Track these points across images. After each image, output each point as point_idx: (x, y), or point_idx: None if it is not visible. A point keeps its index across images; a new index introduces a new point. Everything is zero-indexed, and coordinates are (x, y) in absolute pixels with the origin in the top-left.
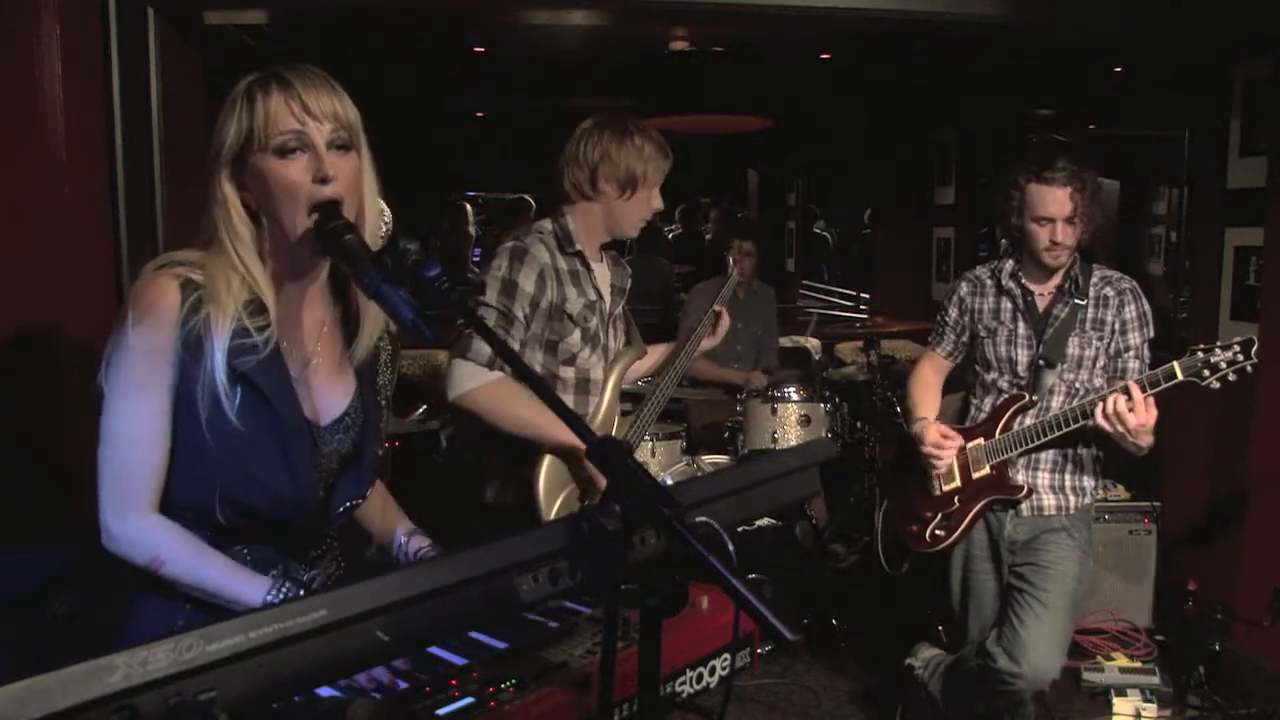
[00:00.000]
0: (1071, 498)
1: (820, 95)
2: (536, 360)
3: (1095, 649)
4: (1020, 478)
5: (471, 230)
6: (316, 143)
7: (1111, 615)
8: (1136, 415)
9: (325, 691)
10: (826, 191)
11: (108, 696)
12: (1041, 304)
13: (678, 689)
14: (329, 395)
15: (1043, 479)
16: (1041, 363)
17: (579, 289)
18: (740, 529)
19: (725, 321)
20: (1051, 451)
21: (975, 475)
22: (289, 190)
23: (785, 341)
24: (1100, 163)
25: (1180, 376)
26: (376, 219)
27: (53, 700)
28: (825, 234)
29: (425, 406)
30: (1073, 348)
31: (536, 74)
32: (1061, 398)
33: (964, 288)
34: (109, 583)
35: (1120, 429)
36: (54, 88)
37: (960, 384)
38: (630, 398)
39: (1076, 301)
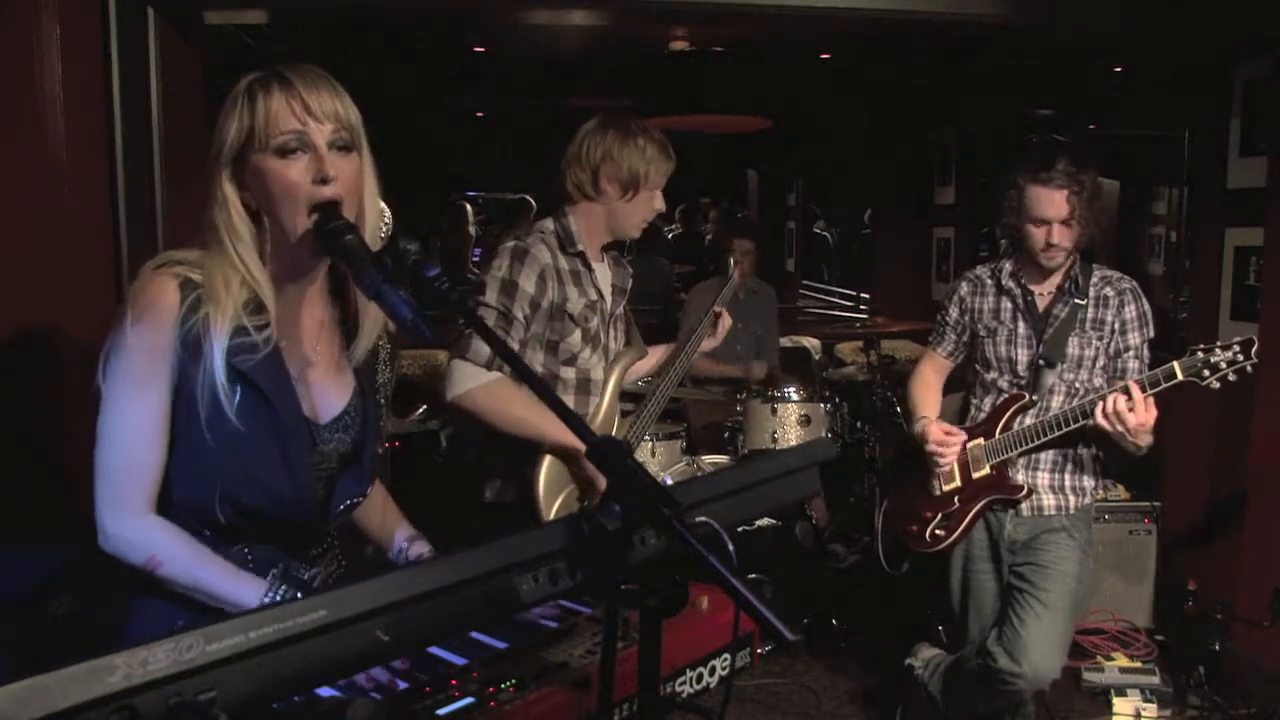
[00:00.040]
0: (1071, 498)
1: (820, 95)
2: (537, 360)
3: (1095, 649)
4: (1020, 477)
5: (471, 230)
6: (317, 143)
7: (1111, 615)
8: (1136, 415)
9: (325, 691)
10: (826, 191)
11: (108, 696)
12: (1041, 304)
13: (678, 689)
14: (328, 394)
15: (1043, 479)
16: (1041, 362)
17: (580, 289)
18: (740, 529)
19: (726, 322)
20: (1051, 451)
21: (975, 475)
22: (289, 190)
23: (785, 342)
24: (1100, 163)
25: (1180, 376)
26: (376, 219)
27: (53, 700)
28: (825, 234)
29: (425, 406)
30: (1073, 347)
31: (536, 74)
32: (1061, 397)
33: (964, 287)
34: (109, 583)
35: (1120, 429)
36: (54, 88)
37: (960, 384)
38: (630, 398)
39: (1076, 301)
